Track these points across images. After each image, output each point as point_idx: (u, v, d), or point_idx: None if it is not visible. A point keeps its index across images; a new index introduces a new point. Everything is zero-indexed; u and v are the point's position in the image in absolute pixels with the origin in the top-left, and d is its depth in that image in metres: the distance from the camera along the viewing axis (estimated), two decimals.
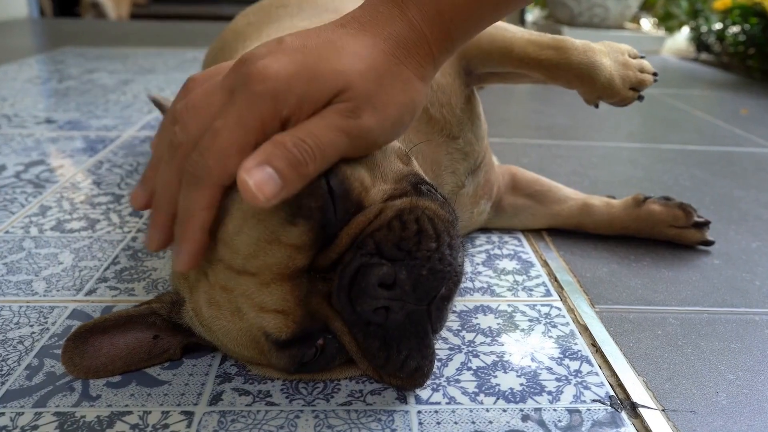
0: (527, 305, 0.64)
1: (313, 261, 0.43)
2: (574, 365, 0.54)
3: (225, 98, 0.41)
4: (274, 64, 0.40)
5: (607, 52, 0.70)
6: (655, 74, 0.73)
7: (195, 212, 0.41)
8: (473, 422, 0.47)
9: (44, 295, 0.63)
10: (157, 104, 0.77)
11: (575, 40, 0.68)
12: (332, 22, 0.44)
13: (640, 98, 0.72)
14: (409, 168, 0.50)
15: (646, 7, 3.06)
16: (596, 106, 0.73)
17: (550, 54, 0.66)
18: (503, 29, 0.67)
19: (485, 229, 0.81)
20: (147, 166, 0.46)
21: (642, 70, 0.72)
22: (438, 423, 0.47)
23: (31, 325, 0.58)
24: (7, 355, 0.54)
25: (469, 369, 0.53)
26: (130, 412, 0.47)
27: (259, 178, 0.37)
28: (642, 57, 0.74)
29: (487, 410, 0.49)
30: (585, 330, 0.60)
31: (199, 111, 0.42)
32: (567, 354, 0.56)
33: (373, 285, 0.42)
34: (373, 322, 0.44)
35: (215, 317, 0.46)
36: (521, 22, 3.10)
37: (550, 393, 0.51)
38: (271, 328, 0.44)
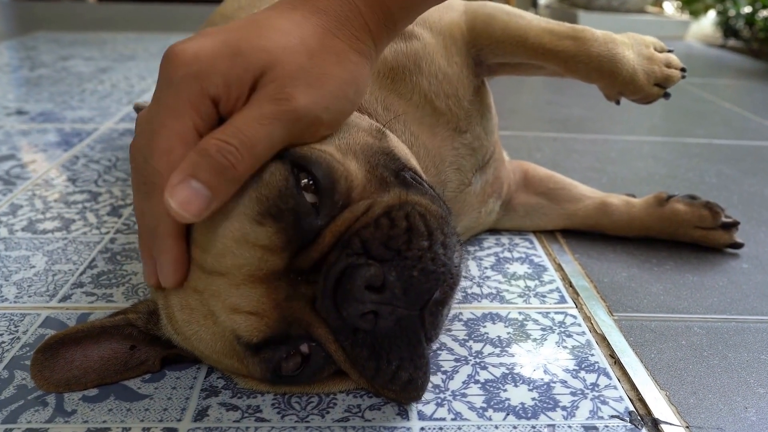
0: (540, 313, 0.64)
1: (293, 262, 0.43)
2: (591, 378, 0.55)
3: (156, 101, 0.43)
4: (192, 46, 0.42)
5: (630, 44, 0.70)
6: (683, 70, 0.73)
7: (160, 219, 0.42)
8: None
9: (15, 302, 0.63)
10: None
11: (595, 30, 0.68)
12: (266, 7, 0.46)
13: (666, 96, 0.72)
14: (382, 144, 0.50)
15: None
16: (617, 102, 0.73)
17: (568, 44, 0.66)
18: (518, 16, 0.67)
19: (494, 230, 0.81)
20: None
21: (669, 65, 0.72)
22: None
23: (1, 334, 0.58)
24: None
25: (477, 382, 0.53)
26: (108, 429, 0.47)
27: (184, 197, 0.39)
28: (670, 51, 0.74)
29: (496, 427, 0.49)
30: (602, 340, 0.60)
31: (141, 126, 0.44)
32: (583, 366, 0.56)
33: (360, 287, 0.41)
34: (361, 329, 0.44)
35: (187, 321, 0.46)
36: (533, 5, 3.09)
37: (564, 408, 0.51)
38: (242, 330, 0.44)
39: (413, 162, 0.53)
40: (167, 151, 0.41)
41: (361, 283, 0.41)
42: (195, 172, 0.39)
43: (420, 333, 0.45)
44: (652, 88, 0.71)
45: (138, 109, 0.78)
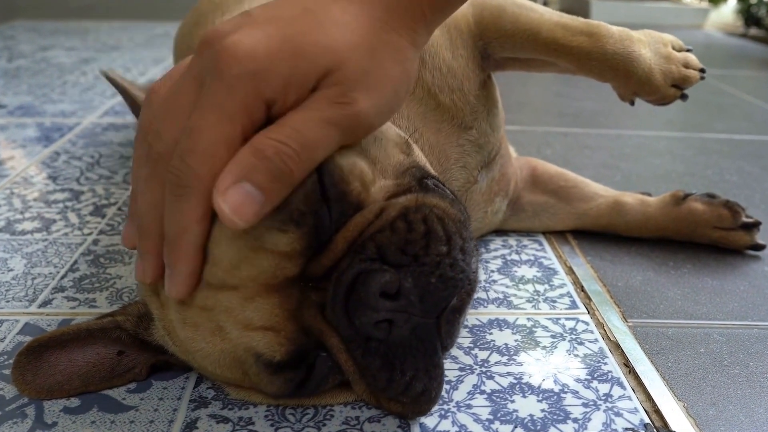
0: (549, 319, 0.64)
1: (304, 269, 0.43)
2: (604, 388, 0.55)
3: (196, 90, 0.41)
4: (247, 40, 0.39)
5: (647, 42, 0.70)
6: (702, 71, 0.73)
7: (188, 226, 0.41)
8: None
9: None
10: (113, 83, 0.77)
11: (611, 26, 0.68)
12: None
13: (684, 97, 0.73)
14: (411, 159, 0.50)
15: None
16: (632, 102, 0.73)
17: (581, 41, 0.66)
18: (529, 9, 0.67)
19: (501, 231, 0.81)
20: (130, 199, 0.45)
21: (687, 66, 0.72)
22: None
23: None
24: None
25: (483, 392, 0.53)
26: None
27: (237, 200, 0.38)
28: (689, 50, 0.74)
29: None
30: (616, 347, 0.60)
31: (170, 113, 0.42)
32: (595, 375, 0.56)
33: (374, 294, 0.41)
34: (374, 338, 0.44)
35: (192, 339, 0.46)
36: None
37: (576, 420, 0.51)
38: (262, 347, 0.44)
39: (432, 170, 0.53)
40: (212, 155, 0.39)
41: (376, 289, 0.41)
42: (249, 174, 0.38)
43: (436, 341, 0.45)
44: (668, 89, 0.71)
45: (110, 78, 0.76)
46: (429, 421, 0.50)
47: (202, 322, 0.45)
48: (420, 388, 0.45)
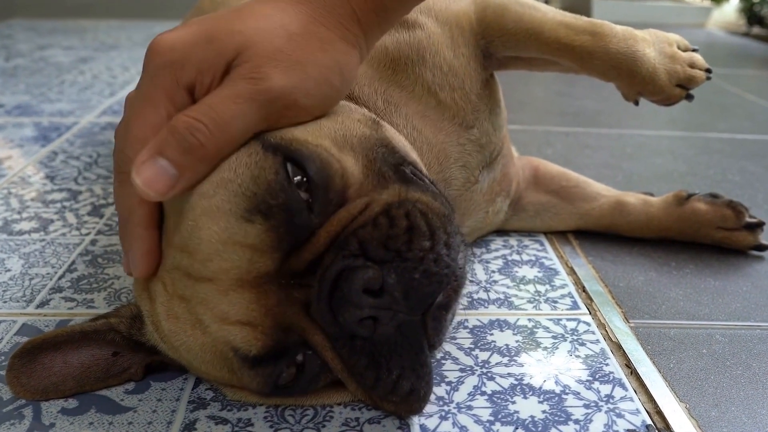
0: (551, 319, 0.64)
1: (284, 264, 0.43)
2: (606, 389, 0.55)
3: None
4: (171, 36, 0.45)
5: (651, 41, 0.70)
6: (708, 71, 0.73)
7: (132, 208, 0.45)
8: None
9: None
10: None
11: (615, 25, 0.68)
12: None
13: (689, 97, 0.72)
14: (379, 135, 0.50)
15: None
16: (636, 102, 0.73)
17: (585, 40, 0.66)
18: (532, 8, 0.67)
19: (502, 231, 0.81)
20: None
21: (693, 65, 0.72)
22: None
23: None
24: None
25: (483, 393, 0.53)
26: None
27: (149, 174, 0.41)
28: (694, 50, 0.74)
29: None
30: (618, 348, 0.60)
31: (124, 113, 0.46)
32: (597, 376, 0.56)
33: (357, 291, 0.41)
34: (359, 336, 0.44)
35: (174, 331, 0.46)
36: None
37: (577, 422, 0.51)
38: (238, 341, 0.44)
39: (412, 154, 0.53)
40: (140, 139, 0.43)
41: (359, 286, 0.41)
42: (162, 149, 0.41)
43: (422, 340, 0.45)
44: (673, 89, 0.71)
45: None
46: (429, 422, 0.50)
47: (182, 314, 0.45)
48: (407, 387, 0.45)
